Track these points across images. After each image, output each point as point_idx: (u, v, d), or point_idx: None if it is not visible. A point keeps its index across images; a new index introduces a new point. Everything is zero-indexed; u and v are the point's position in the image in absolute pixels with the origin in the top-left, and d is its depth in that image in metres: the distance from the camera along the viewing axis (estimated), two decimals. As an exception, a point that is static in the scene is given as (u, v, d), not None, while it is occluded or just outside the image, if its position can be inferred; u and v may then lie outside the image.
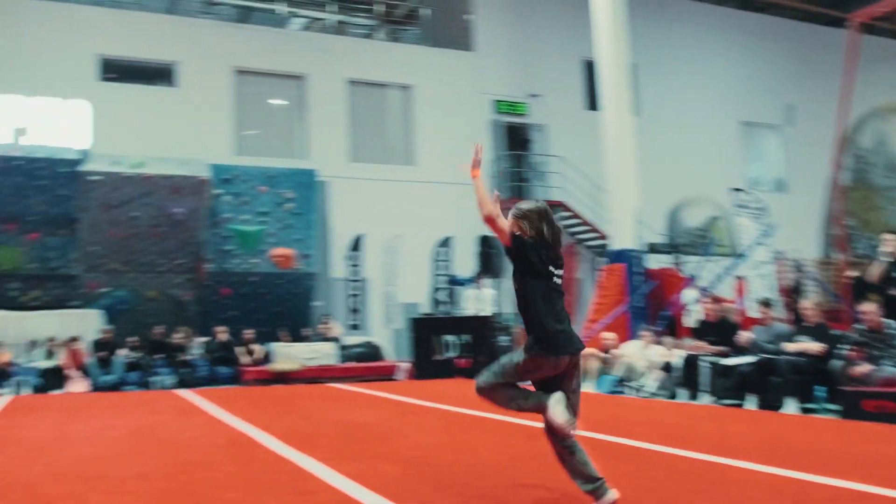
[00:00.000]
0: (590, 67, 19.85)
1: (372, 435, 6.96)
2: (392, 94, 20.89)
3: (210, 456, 5.97)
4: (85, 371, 13.75)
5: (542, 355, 3.98)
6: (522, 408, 4.09)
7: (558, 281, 4.05)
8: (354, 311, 18.40)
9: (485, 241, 15.05)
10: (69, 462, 5.64)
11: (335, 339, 16.61)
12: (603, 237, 19.25)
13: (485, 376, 4.15)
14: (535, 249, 3.98)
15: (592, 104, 20.08)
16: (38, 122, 16.41)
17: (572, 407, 3.93)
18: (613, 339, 12.28)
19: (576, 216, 20.30)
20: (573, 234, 20.57)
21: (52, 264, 16.52)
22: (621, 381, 11.31)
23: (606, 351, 12.01)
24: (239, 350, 15.38)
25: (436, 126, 20.48)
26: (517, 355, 4.10)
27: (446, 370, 13.97)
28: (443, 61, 21.08)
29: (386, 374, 15.14)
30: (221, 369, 14.90)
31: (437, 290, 18.74)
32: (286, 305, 17.92)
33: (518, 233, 4.03)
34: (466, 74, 21.05)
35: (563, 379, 4.01)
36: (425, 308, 18.59)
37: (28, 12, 17.41)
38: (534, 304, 4.01)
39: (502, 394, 4.11)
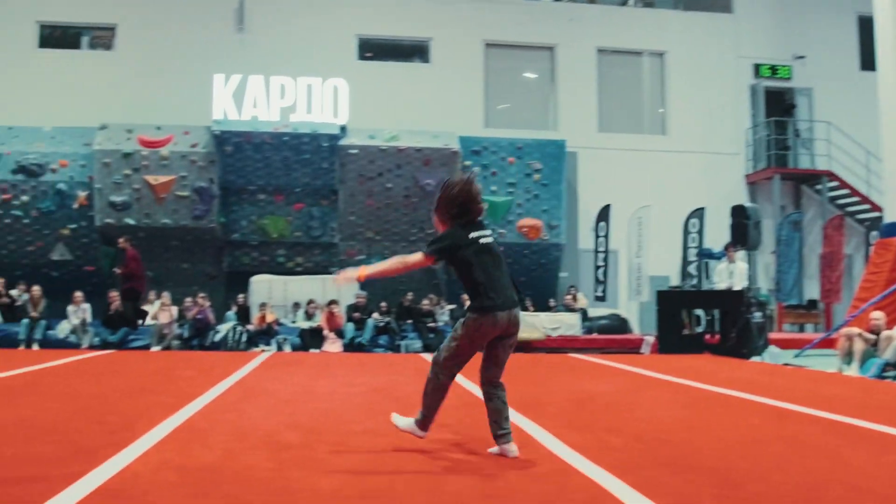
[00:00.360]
0: (865, 24, 18.06)
1: (605, 406, 6.74)
2: (643, 61, 20.22)
3: (440, 417, 6.04)
4: (340, 333, 14.58)
5: (479, 319, 4.26)
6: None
7: (488, 241, 4.35)
8: (601, 282, 18.09)
9: (739, 212, 14.16)
10: (308, 414, 5.93)
11: (581, 311, 16.44)
12: (876, 209, 17.54)
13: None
14: (459, 242, 4.30)
15: (867, 64, 18.28)
16: (302, 101, 17.53)
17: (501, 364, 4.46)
18: (883, 319, 11.12)
19: (844, 186, 18.67)
20: (841, 205, 18.94)
21: (315, 233, 17.63)
22: (890, 366, 10.23)
23: (875, 332, 10.90)
24: (484, 318, 15.60)
25: (689, 94, 19.60)
26: (456, 332, 4.36)
27: (694, 345, 13.35)
28: (699, 25, 20.09)
29: (631, 348, 14.75)
30: (467, 336, 15.20)
31: (687, 262, 17.99)
32: (532, 276, 17.99)
33: (434, 247, 4.36)
34: (724, 38, 19.92)
35: (504, 339, 4.37)
36: (674, 281, 17.93)
37: (297, 2, 18.67)
38: (473, 278, 4.28)
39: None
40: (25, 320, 14.04)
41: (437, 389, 4.55)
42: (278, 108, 17.60)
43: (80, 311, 14.34)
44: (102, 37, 18.80)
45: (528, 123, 19.42)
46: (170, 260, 17.88)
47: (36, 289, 14.56)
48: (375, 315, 15.29)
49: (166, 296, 15.12)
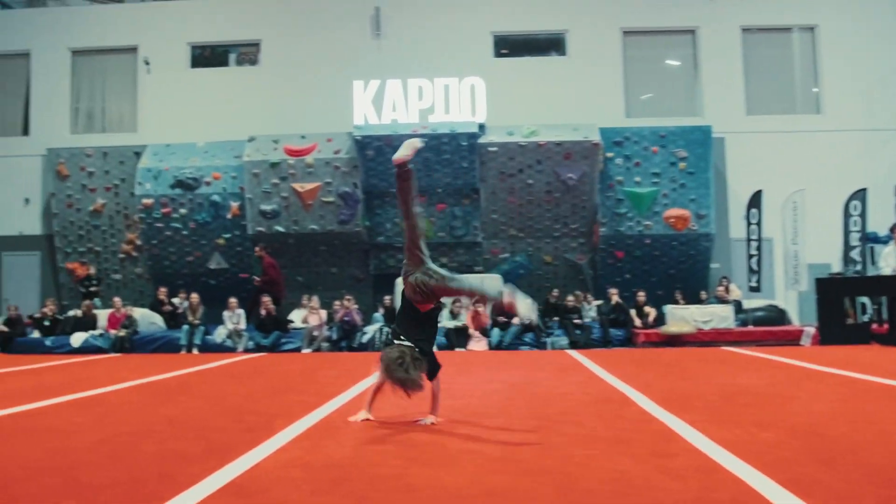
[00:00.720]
0: None
1: (757, 400, 6.36)
2: (793, 37, 19.16)
3: (578, 411, 5.86)
4: (485, 331, 14.51)
5: None
6: None
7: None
8: (755, 272, 17.24)
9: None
10: (441, 411, 5.87)
11: (735, 302, 15.72)
12: None
13: None
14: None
15: None
16: (440, 102, 17.61)
17: None
18: None
19: None
20: None
21: (458, 232, 17.66)
22: None
23: None
24: (632, 312, 15.19)
25: (845, 69, 18.43)
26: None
27: (859, 336, 12.51)
28: (854, -6, 18.88)
29: (789, 340, 13.96)
30: (614, 331, 14.84)
31: (849, 247, 16.89)
32: (681, 268, 17.38)
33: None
34: (883, 6, 18.60)
35: None
36: (836, 268, 16.87)
37: (431, 4, 18.83)
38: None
39: None
40: (186, 326, 14.76)
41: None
42: (417, 110, 17.75)
43: (234, 317, 14.93)
44: (248, 53, 19.55)
45: (672, 111, 18.75)
46: (319, 265, 18.37)
47: (195, 296, 15.27)
48: (516, 320, 15.10)
49: (315, 299, 15.52)
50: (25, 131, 19.74)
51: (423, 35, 18.48)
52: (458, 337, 14.46)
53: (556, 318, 15.35)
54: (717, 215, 17.45)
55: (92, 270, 17.85)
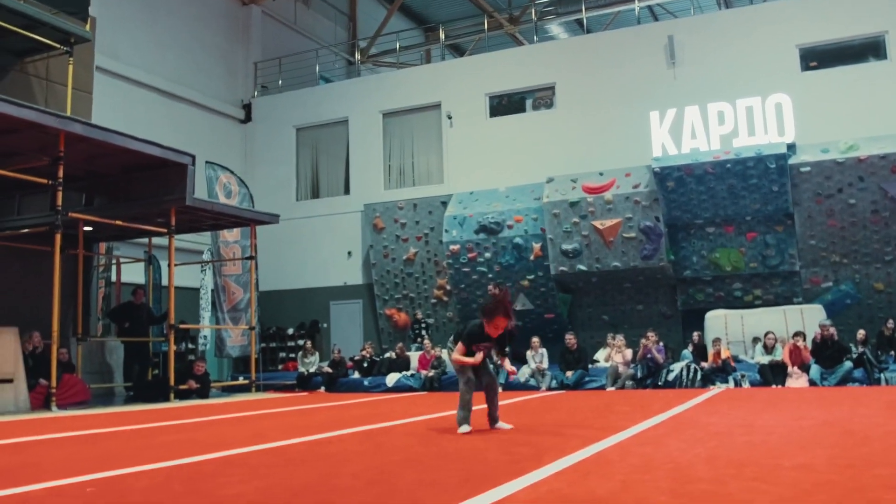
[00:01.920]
0: None
1: None
2: None
3: (898, 452, 4.99)
4: (805, 367, 13.18)
5: None
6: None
7: None
8: None
9: None
10: (734, 447, 5.28)
11: None
12: None
13: None
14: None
15: None
16: (742, 125, 16.61)
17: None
18: None
19: None
20: None
21: (772, 262, 16.42)
22: None
23: None
24: None
25: None
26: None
27: None
28: None
29: None
30: (966, 366, 12.84)
31: None
32: None
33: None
34: None
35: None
36: None
37: (727, 24, 17.92)
38: None
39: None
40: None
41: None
42: (718, 135, 16.90)
43: (537, 356, 14.91)
44: (543, 97, 19.80)
45: None
46: (623, 302, 17.95)
47: (498, 337, 15.47)
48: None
49: (619, 338, 15.09)
50: (346, 190, 21.48)
51: (721, 57, 17.57)
52: (775, 373, 13.27)
53: (891, 352, 13.61)
54: None
55: (419, 315, 18.85)
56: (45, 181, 11.35)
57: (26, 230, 12.67)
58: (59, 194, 11.26)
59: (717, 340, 14.37)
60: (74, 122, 11.19)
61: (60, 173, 11.22)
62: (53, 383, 11.11)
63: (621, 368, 14.40)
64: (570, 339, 15.05)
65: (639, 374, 14.14)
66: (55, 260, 11.23)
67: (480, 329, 6.33)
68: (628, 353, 14.73)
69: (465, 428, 6.37)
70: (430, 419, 8.21)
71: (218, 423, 8.61)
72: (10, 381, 10.62)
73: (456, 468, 4.62)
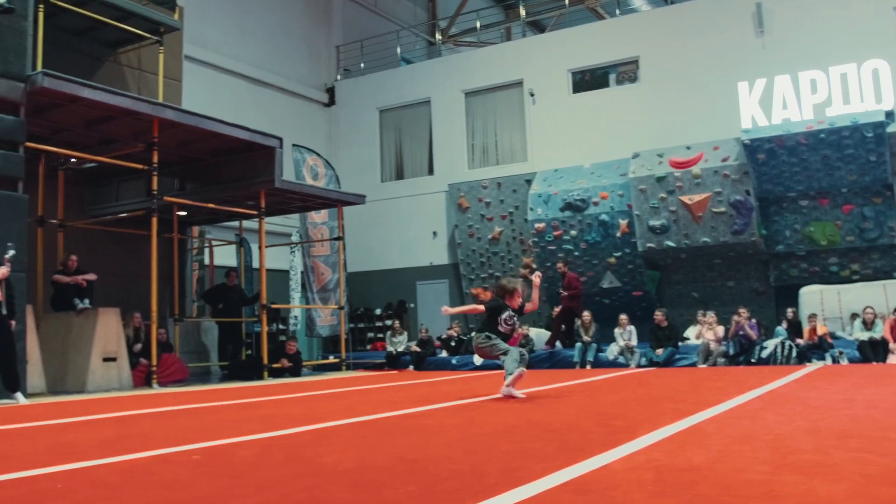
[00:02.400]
0: None
1: None
2: None
3: None
4: (908, 343, 12.71)
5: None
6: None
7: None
8: None
9: None
10: (836, 420, 5.14)
11: None
12: None
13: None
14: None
15: None
16: (837, 93, 16.03)
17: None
18: None
19: None
20: None
21: (870, 235, 15.85)
22: None
23: None
24: None
25: None
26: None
27: None
28: None
29: None
30: None
31: None
32: None
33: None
34: None
35: None
36: None
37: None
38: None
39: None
40: (578, 344, 14.89)
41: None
42: (810, 105, 16.37)
43: (626, 334, 14.76)
44: (627, 71, 19.47)
45: None
46: (714, 279, 17.59)
47: (586, 314, 15.37)
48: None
49: (710, 315, 14.82)
50: (430, 171, 21.56)
51: (812, 23, 16.96)
52: (875, 350, 12.84)
53: None
54: None
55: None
56: (141, 167, 11.73)
57: (124, 215, 13.11)
58: (155, 179, 11.62)
59: (812, 316, 13.97)
60: (167, 109, 11.51)
61: (155, 159, 11.57)
62: (154, 362, 11.51)
63: (713, 345, 14.14)
64: (659, 316, 14.84)
65: (731, 351, 13.87)
66: (153, 243, 11.60)
67: (503, 304, 7.97)
68: (720, 329, 14.46)
69: (520, 369, 7.59)
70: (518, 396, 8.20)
71: (312, 398, 8.79)
72: (113, 359, 11.04)
73: (550, 439, 4.62)
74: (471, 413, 6.38)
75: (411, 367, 16.26)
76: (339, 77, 23.32)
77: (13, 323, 8.77)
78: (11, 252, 8.54)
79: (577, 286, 16.05)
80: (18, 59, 9.79)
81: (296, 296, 17.87)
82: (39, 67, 10.22)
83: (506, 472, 3.56)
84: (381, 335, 20.26)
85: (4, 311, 8.55)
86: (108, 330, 11.09)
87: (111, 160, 11.86)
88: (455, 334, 16.85)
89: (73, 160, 12.68)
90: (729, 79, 17.36)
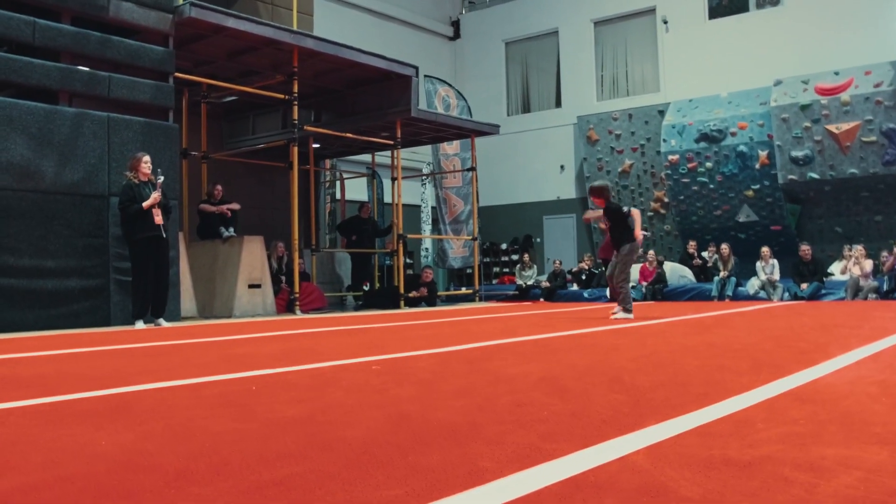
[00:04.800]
0: None
1: None
2: None
3: None
4: None
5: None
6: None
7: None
8: None
9: None
10: None
11: None
12: None
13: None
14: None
15: None
16: None
17: None
18: None
19: None
20: None
21: None
22: None
23: None
24: None
25: None
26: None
27: None
28: None
29: None
30: None
31: None
32: None
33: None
34: None
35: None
36: None
37: None
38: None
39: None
40: (716, 278, 14.43)
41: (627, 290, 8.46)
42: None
43: (768, 267, 14.20)
44: (769, -7, 18.43)
45: None
46: (859, 213, 16.67)
47: (724, 247, 14.85)
48: None
49: (859, 249, 14.08)
50: (558, 103, 21.12)
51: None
52: None
53: None
54: None
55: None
56: (282, 96, 11.84)
57: (263, 146, 13.32)
58: (295, 109, 11.71)
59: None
60: (307, 38, 11.53)
61: (295, 89, 11.64)
62: (297, 289, 11.74)
63: (862, 281, 13.45)
64: (805, 249, 14.19)
65: (885, 287, 13.16)
66: (293, 173, 11.74)
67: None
68: (868, 264, 13.72)
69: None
70: (675, 321, 7.96)
71: (464, 322, 8.74)
72: (258, 286, 11.31)
73: (736, 357, 4.42)
74: (636, 335, 6.20)
75: (541, 300, 16.14)
76: (464, 10, 22.98)
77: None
78: (161, 178, 8.77)
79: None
80: (165, -10, 9.93)
81: (427, 228, 17.93)
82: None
83: (709, 384, 3.40)
84: (506, 269, 20.17)
85: (164, 235, 8.80)
86: (253, 257, 11.34)
87: (254, 90, 12.01)
88: (587, 267, 16.59)
89: (214, 93, 12.92)
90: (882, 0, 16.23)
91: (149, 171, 8.71)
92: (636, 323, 7.69)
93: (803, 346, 4.92)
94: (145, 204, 8.53)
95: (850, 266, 13.98)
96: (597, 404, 2.88)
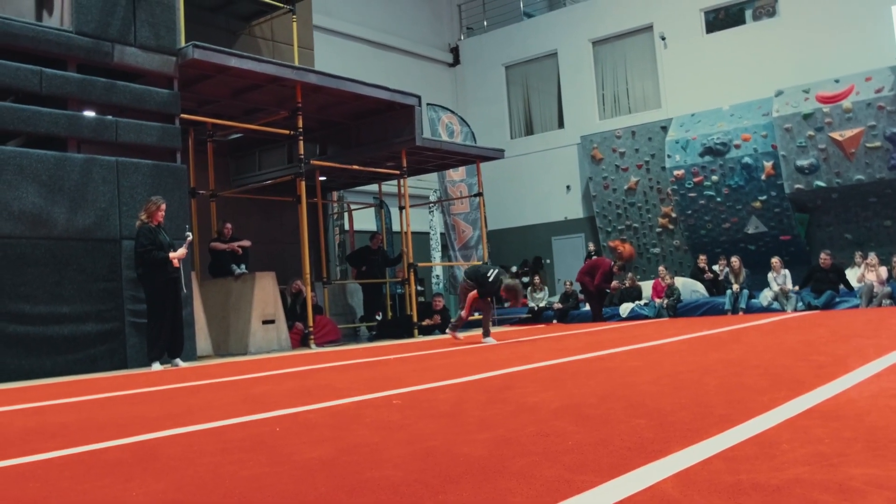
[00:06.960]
0: None
1: None
2: None
3: None
4: None
5: None
6: None
7: None
8: None
9: None
10: None
11: None
12: None
13: None
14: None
15: None
16: None
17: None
18: None
19: None
20: None
21: None
22: None
23: None
24: None
25: None
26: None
27: None
28: None
29: None
30: None
31: None
32: None
33: None
34: None
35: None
36: None
37: None
38: None
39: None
40: (729, 291, 14.39)
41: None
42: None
43: (780, 278, 14.16)
44: (764, 5, 18.51)
45: None
46: (868, 218, 16.64)
47: (735, 259, 14.82)
48: None
49: (873, 256, 14.04)
50: (560, 124, 21.20)
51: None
52: None
53: None
54: None
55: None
56: (287, 132, 11.93)
57: (270, 181, 13.41)
58: (301, 143, 11.79)
59: None
60: (309, 73, 11.64)
61: (300, 123, 11.72)
62: (311, 323, 11.77)
63: (877, 287, 13.41)
64: (825, 257, 14.03)
65: (899, 292, 13.13)
66: (302, 207, 11.79)
67: (497, 291, 9.94)
68: (882, 270, 13.69)
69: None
70: (689, 338, 7.96)
71: (480, 349, 8.74)
72: (272, 321, 11.35)
73: (756, 375, 4.42)
74: (652, 356, 6.20)
75: (554, 322, 16.11)
76: (462, 36, 23.16)
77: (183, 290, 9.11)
78: (189, 236, 8.93)
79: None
80: (169, 34, 10.05)
81: (436, 256, 17.95)
82: (183, 42, 10.48)
83: (731, 404, 3.40)
84: (518, 292, 20.12)
85: (184, 289, 8.92)
86: (266, 293, 11.38)
87: (259, 127, 12.11)
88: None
89: (220, 131, 13.03)
90: (880, 3, 16.25)
91: (162, 218, 8.80)
92: (652, 342, 7.69)
93: (821, 360, 4.92)
94: (173, 256, 8.64)
95: (866, 273, 13.94)
96: (621, 431, 2.89)
